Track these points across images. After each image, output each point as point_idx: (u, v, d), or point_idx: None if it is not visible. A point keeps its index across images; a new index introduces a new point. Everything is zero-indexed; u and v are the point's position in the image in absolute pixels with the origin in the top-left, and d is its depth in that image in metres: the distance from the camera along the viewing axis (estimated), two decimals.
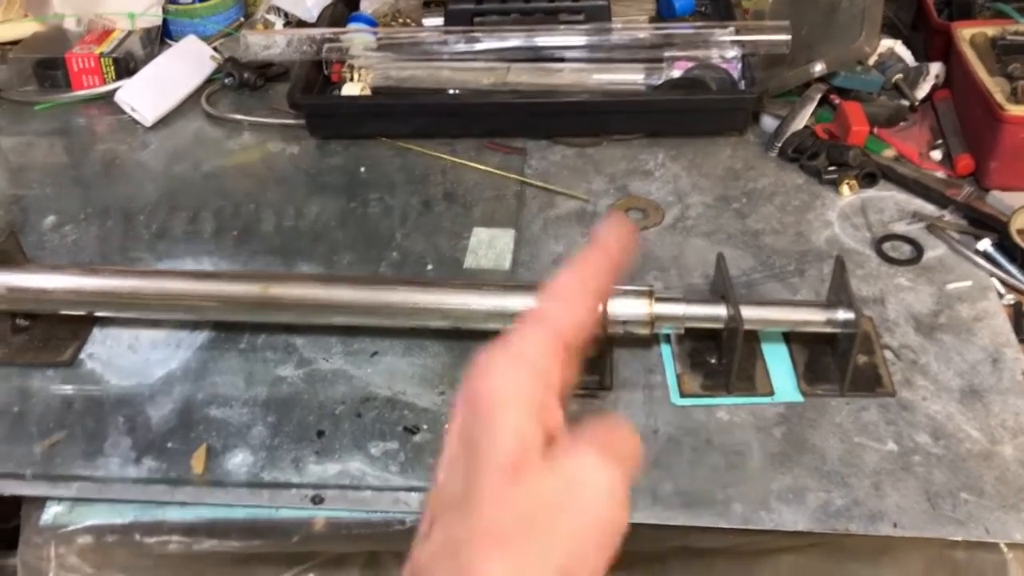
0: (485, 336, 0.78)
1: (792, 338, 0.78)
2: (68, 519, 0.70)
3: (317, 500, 0.69)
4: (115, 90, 1.10)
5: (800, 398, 0.74)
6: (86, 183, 1.03)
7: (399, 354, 0.79)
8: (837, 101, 1.02)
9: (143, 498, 0.70)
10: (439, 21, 1.19)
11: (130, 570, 0.71)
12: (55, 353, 0.80)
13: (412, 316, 0.77)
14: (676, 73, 1.04)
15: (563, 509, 0.35)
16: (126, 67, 1.13)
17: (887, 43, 1.05)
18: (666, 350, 0.78)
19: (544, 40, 1.08)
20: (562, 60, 1.08)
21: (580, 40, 1.08)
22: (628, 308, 0.74)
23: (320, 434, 0.73)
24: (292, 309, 0.78)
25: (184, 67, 1.14)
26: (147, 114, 1.09)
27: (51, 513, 0.70)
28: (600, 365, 0.76)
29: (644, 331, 0.75)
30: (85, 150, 1.08)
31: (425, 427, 0.73)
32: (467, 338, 0.79)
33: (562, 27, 1.10)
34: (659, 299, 0.75)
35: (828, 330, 0.74)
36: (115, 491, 0.70)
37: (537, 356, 0.37)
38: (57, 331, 0.82)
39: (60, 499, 0.70)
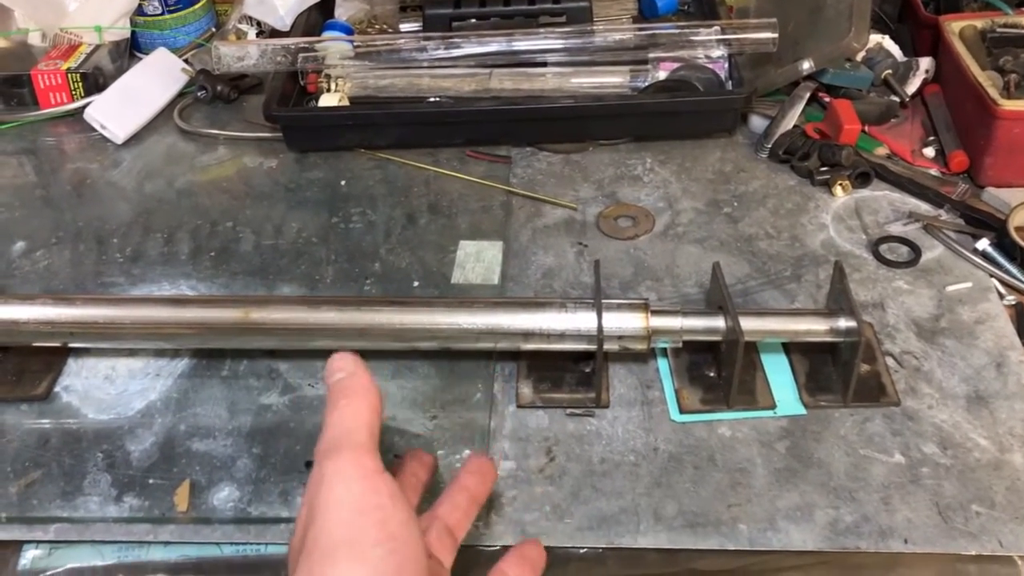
0: (476, 356, 0.76)
1: (792, 348, 0.76)
2: (47, 563, 0.67)
3: None
4: (84, 107, 1.07)
5: (803, 410, 0.72)
6: (56, 205, 0.99)
7: (387, 377, 0.77)
8: (827, 99, 1.00)
9: (125, 538, 0.67)
10: (417, 27, 1.17)
11: None
12: (29, 387, 0.77)
13: (399, 338, 0.74)
14: (661, 75, 1.02)
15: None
16: (95, 82, 1.10)
17: (875, 38, 1.03)
18: (663, 364, 0.76)
19: (525, 44, 1.05)
20: (544, 64, 1.05)
21: (562, 43, 1.05)
22: (624, 323, 0.72)
23: (308, 464, 0.70)
24: (275, 334, 0.75)
25: (155, 81, 1.11)
26: (117, 131, 1.05)
27: (29, 557, 0.67)
28: (596, 382, 0.73)
29: (641, 346, 0.73)
30: (54, 170, 1.04)
31: None
32: (458, 358, 0.77)
33: (543, 30, 1.07)
34: (655, 312, 0.73)
35: (830, 339, 0.72)
36: (95, 532, 0.67)
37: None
38: (30, 363, 0.79)
39: (38, 542, 0.67)
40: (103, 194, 1.00)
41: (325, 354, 0.75)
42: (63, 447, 0.73)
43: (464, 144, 1.02)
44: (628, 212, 0.92)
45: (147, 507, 0.68)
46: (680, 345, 0.74)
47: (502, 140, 1.02)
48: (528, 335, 0.73)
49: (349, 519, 0.45)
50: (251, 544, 0.66)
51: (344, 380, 0.51)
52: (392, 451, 0.71)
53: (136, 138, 1.07)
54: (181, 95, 1.13)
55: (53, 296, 0.77)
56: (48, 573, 0.67)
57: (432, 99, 1.04)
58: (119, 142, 1.06)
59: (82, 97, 1.10)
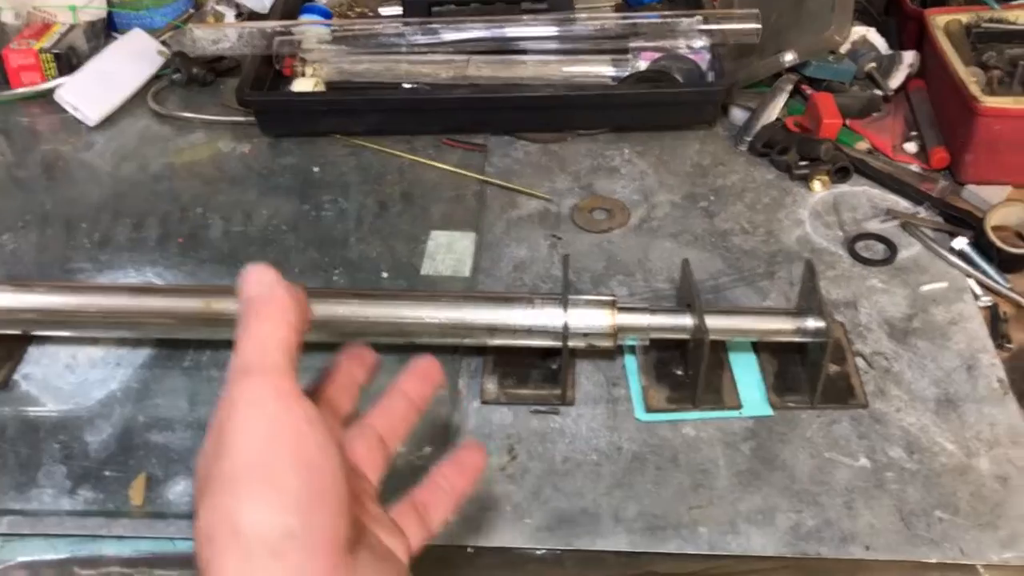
0: (442, 350, 0.75)
1: (761, 347, 0.75)
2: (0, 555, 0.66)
3: None
4: (56, 88, 1.05)
5: (769, 411, 0.71)
6: (26, 187, 0.98)
7: None
8: (808, 92, 0.98)
9: (79, 532, 0.66)
10: (397, 12, 1.15)
11: None
12: None
13: (362, 331, 0.73)
14: (642, 64, 1.00)
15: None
16: (68, 63, 1.08)
17: (859, 31, 1.01)
18: (630, 362, 0.75)
19: (505, 31, 1.04)
20: (525, 52, 1.04)
21: (543, 31, 1.04)
22: (590, 320, 0.71)
23: None
24: (232, 326, 0.73)
25: (130, 62, 1.09)
26: (90, 113, 1.04)
27: None
28: (561, 379, 0.72)
29: (607, 343, 0.72)
30: (25, 151, 1.03)
31: None
32: (423, 351, 0.75)
33: (524, 17, 1.05)
34: (622, 309, 0.72)
35: (798, 339, 0.71)
36: (48, 525, 0.66)
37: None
38: None
39: None
40: (74, 177, 0.99)
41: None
42: (19, 437, 0.72)
43: (440, 132, 1.01)
44: (603, 205, 0.91)
45: (102, 500, 0.67)
46: (647, 343, 0.73)
47: (479, 128, 1.01)
48: (494, 330, 0.72)
49: (260, 446, 0.40)
50: None
51: (259, 295, 0.44)
52: None
53: (110, 120, 1.06)
54: (157, 77, 1.11)
55: (13, 282, 0.76)
56: (1, 565, 0.66)
57: (409, 86, 1.02)
58: (92, 124, 1.04)
59: (55, 77, 1.08)
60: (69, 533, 0.66)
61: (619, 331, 0.71)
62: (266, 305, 0.43)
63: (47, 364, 0.78)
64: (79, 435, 0.72)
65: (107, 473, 0.69)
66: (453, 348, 0.76)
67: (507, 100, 0.99)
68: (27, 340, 0.79)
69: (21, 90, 1.08)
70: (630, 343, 0.74)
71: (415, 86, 1.02)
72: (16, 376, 0.77)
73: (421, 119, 1.01)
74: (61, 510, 0.67)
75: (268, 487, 0.39)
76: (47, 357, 0.78)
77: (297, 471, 0.40)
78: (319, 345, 0.75)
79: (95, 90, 1.05)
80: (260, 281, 0.44)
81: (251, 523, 0.37)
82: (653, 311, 0.72)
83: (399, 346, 0.75)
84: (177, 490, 0.68)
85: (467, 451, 0.54)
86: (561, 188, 0.93)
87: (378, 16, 1.17)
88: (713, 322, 0.69)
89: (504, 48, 1.04)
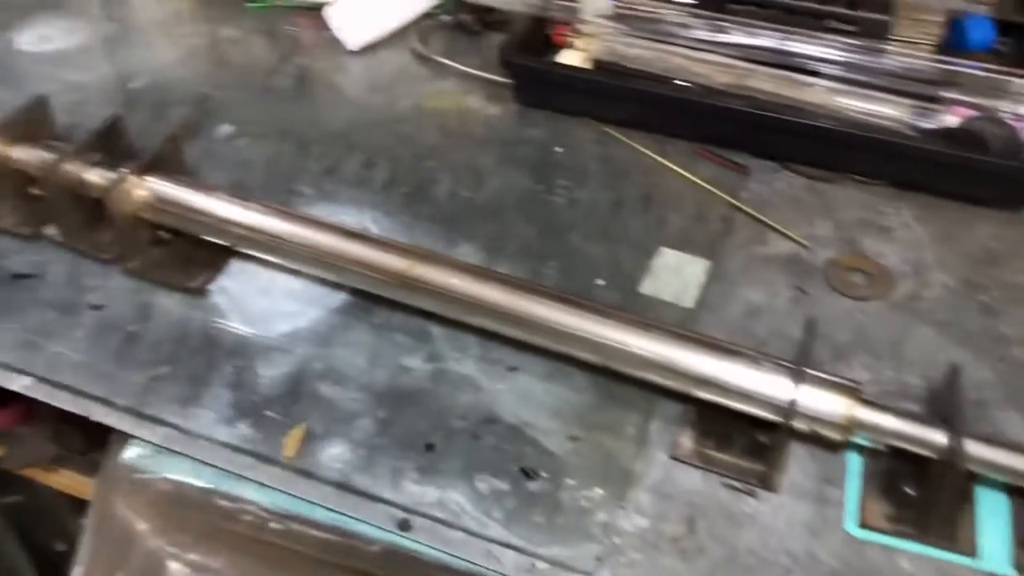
0: (641, 383, 0.67)
1: (1016, 490, 0.62)
2: (147, 464, 0.65)
3: (404, 526, 0.60)
4: (327, 4, 1.03)
5: (1011, 572, 0.58)
6: (274, 96, 0.97)
7: (539, 376, 0.69)
8: None
9: (226, 466, 0.63)
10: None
11: (198, 538, 0.65)
12: (187, 277, 0.75)
13: (559, 340, 0.66)
14: (951, 119, 0.86)
15: None
16: None
17: None
18: (854, 461, 0.64)
19: (801, 47, 0.92)
20: (816, 74, 0.92)
21: (844, 55, 0.92)
22: (823, 403, 0.60)
23: (429, 447, 0.64)
24: (431, 296, 0.68)
25: None
26: (352, 37, 1.02)
27: (133, 453, 0.65)
28: (770, 459, 0.62)
29: (835, 435, 0.61)
30: (283, 60, 1.02)
31: (545, 475, 0.63)
32: (620, 379, 0.67)
33: (827, 36, 0.93)
34: (864, 401, 0.60)
35: None
36: (199, 449, 0.64)
37: None
38: (196, 253, 0.76)
39: (145, 441, 0.65)
40: (321, 97, 0.97)
41: (482, 331, 0.70)
42: (198, 349, 0.70)
43: (700, 140, 0.91)
44: (865, 267, 0.79)
45: (258, 440, 0.64)
46: (881, 447, 0.62)
47: (743, 146, 0.90)
48: (704, 382, 0.63)
49: None
50: (345, 515, 0.61)
51: None
52: (520, 462, 0.63)
53: (370, 48, 1.03)
54: (428, 15, 1.08)
55: (231, 193, 0.74)
56: (144, 476, 0.64)
57: (679, 82, 0.93)
58: (351, 48, 1.02)
59: None
60: (216, 464, 0.63)
61: (853, 426, 0.60)
62: None
63: (244, 282, 0.76)
64: (253, 365, 0.69)
65: (269, 413, 0.66)
66: (654, 384, 0.67)
67: (783, 123, 0.88)
68: (231, 252, 0.77)
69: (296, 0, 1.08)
70: (861, 442, 0.63)
71: (685, 83, 0.93)
72: (212, 286, 0.75)
73: (683, 121, 0.91)
74: (216, 438, 0.64)
75: None
76: (246, 275, 0.76)
77: None
78: (508, 337, 0.70)
79: (363, 15, 1.03)
80: None
81: None
82: (900, 415, 0.60)
83: (593, 365, 0.68)
84: (331, 452, 0.64)
85: None
86: (820, 235, 0.82)
87: (671, 0, 1.08)
88: (974, 449, 0.57)
89: (793, 64, 0.93)
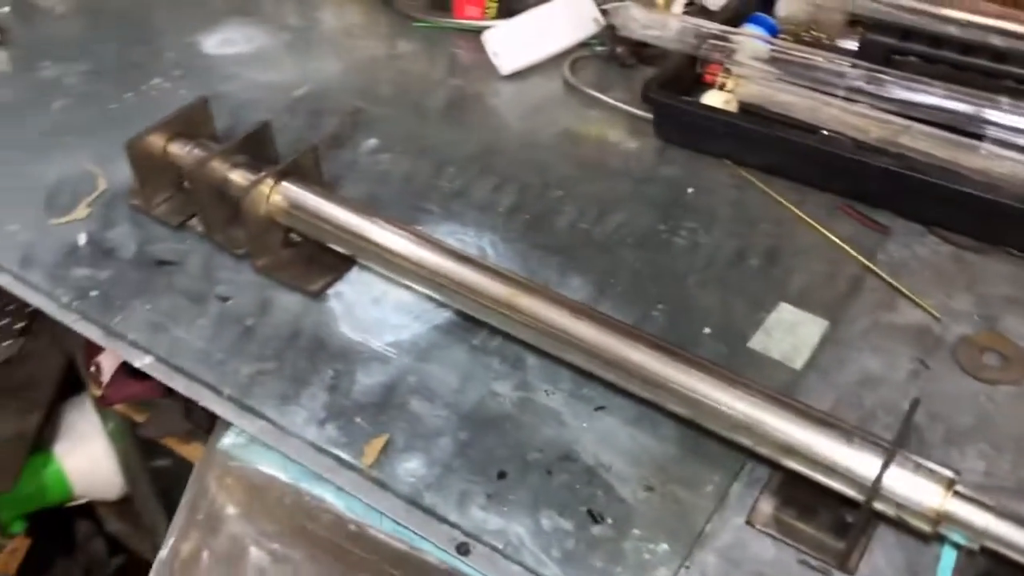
0: (730, 442, 0.65)
1: None
2: (241, 453, 0.68)
3: (463, 549, 0.61)
4: (486, 29, 1.06)
5: None
6: (423, 113, 1.00)
7: (625, 419, 0.68)
8: None
9: (309, 464, 0.66)
10: (854, 47, 1.01)
11: (281, 529, 0.68)
12: (309, 280, 0.79)
13: (647, 388, 0.65)
14: None
15: None
16: (507, 8, 1.09)
17: None
18: (948, 558, 0.59)
19: (967, 107, 0.87)
20: (980, 137, 0.86)
21: (1015, 119, 0.85)
22: (911, 490, 0.56)
23: (501, 475, 0.64)
24: (527, 327, 0.69)
25: (563, 23, 1.08)
26: (506, 62, 1.04)
27: (230, 440, 0.69)
28: (851, 539, 0.59)
29: (922, 526, 0.57)
30: (438, 81, 1.06)
31: (610, 521, 0.61)
32: (708, 435, 0.65)
33: (1003, 98, 0.87)
34: (959, 495, 0.56)
35: None
36: (288, 446, 0.67)
37: None
38: (322, 257, 0.80)
39: (242, 431, 0.69)
40: (466, 120, 1.00)
41: (576, 368, 0.70)
42: (306, 350, 0.74)
43: (842, 195, 0.87)
44: (1002, 348, 0.73)
45: (342, 444, 0.67)
46: (977, 548, 0.57)
47: (888, 205, 0.86)
48: (791, 451, 0.60)
49: None
50: (409, 530, 0.62)
51: None
52: (589, 504, 0.62)
53: (521, 74, 1.05)
54: (583, 44, 1.09)
55: (357, 206, 0.77)
56: (238, 463, 0.68)
57: (826, 132, 0.89)
58: (503, 73, 1.04)
59: (492, 18, 1.10)
60: (301, 462, 0.66)
61: (943, 519, 0.56)
62: None
63: (360, 290, 0.79)
64: (353, 371, 0.72)
65: (358, 420, 0.68)
66: (740, 448, 0.65)
67: (936, 187, 0.82)
68: (353, 261, 0.80)
69: (459, 21, 1.12)
70: (954, 539, 0.58)
71: (833, 135, 0.89)
72: (330, 291, 0.79)
73: (827, 174, 0.88)
74: (305, 437, 0.67)
75: None
76: (362, 283, 0.79)
77: None
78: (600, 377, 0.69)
79: (520, 42, 1.05)
80: None
81: None
82: (1000, 515, 0.55)
83: (680, 416, 0.66)
84: (408, 466, 0.65)
85: None
86: (956, 309, 0.76)
87: (833, 47, 1.04)
88: None
89: (955, 124, 0.87)
